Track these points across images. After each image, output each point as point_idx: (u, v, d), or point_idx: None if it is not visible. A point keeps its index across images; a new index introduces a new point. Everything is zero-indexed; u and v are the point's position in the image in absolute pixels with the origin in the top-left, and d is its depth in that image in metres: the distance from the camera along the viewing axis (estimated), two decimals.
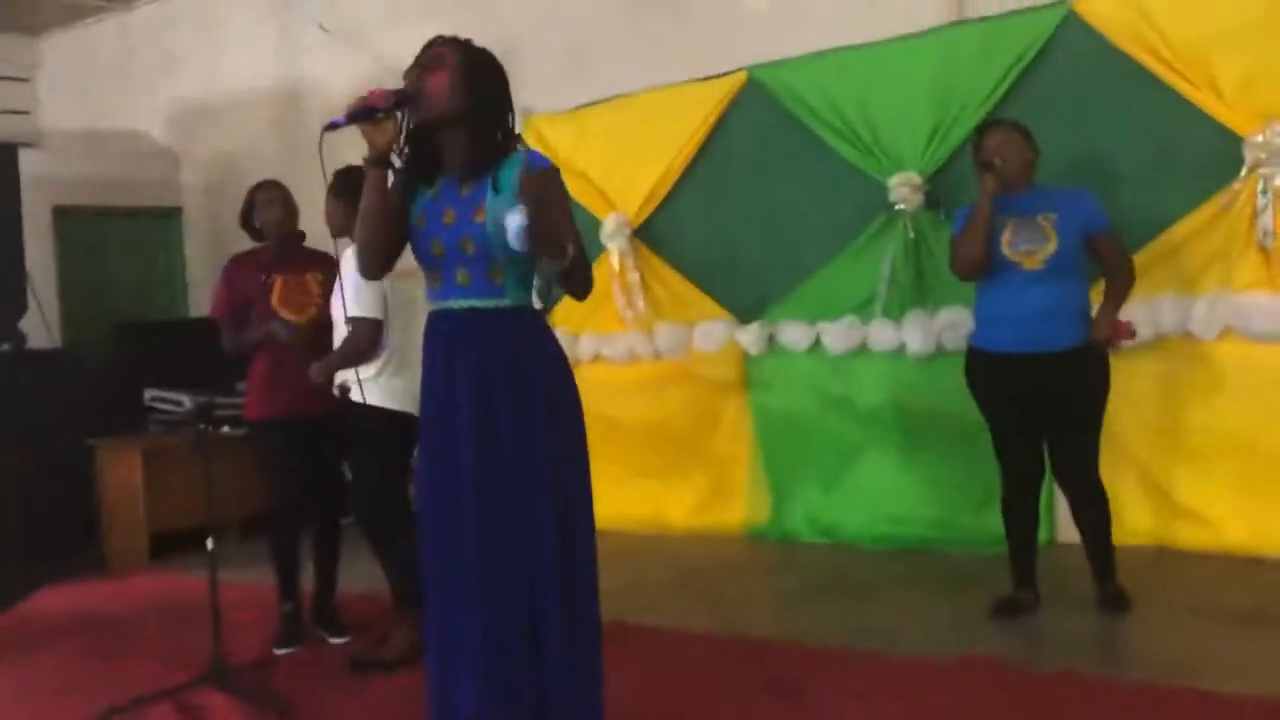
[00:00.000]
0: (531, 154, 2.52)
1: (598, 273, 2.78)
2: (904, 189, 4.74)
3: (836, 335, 4.98)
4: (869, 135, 4.88)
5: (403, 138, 2.47)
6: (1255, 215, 4.05)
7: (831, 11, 5.06)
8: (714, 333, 5.30)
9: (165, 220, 7.73)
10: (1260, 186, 4.02)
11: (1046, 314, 3.59)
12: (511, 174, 2.43)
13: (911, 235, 4.75)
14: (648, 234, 5.53)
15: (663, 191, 5.44)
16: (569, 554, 2.45)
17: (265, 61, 7.25)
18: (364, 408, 3.50)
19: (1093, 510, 3.69)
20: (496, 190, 2.42)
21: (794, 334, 5.10)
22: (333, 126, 2.39)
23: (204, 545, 3.51)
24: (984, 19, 4.65)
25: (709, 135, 5.33)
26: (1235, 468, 4.15)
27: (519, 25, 5.79)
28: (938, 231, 4.71)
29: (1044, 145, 4.21)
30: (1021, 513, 3.77)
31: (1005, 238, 3.65)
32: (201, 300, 6.99)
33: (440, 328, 2.52)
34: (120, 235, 7.54)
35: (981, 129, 3.89)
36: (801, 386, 5.12)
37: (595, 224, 5.46)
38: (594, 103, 5.65)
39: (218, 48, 7.47)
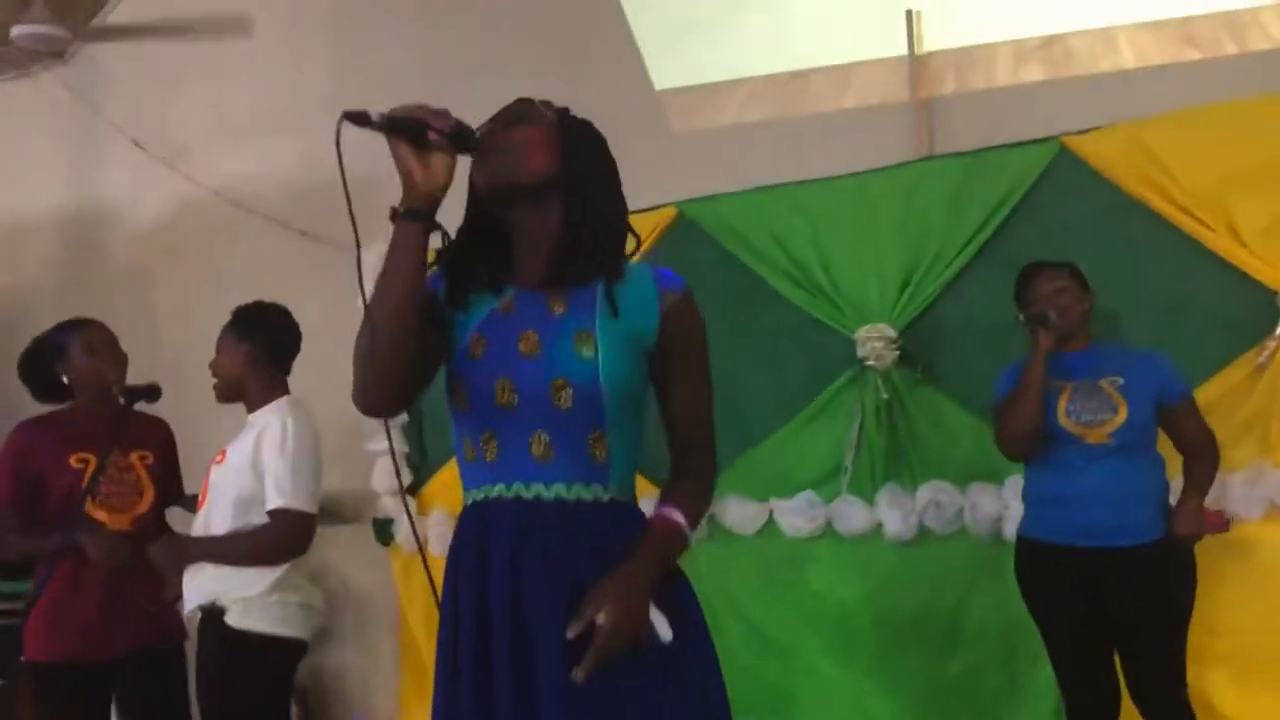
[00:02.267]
0: (660, 270, 1.63)
1: None
2: (876, 343, 4.03)
3: (793, 515, 4.14)
4: (827, 282, 4.19)
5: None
6: None
7: (777, 145, 4.45)
8: None
9: None
10: None
11: (1116, 499, 2.97)
12: (642, 293, 1.56)
13: (885, 396, 4.03)
14: None
15: None
16: None
17: (58, 181, 6.03)
18: (244, 637, 2.60)
19: None
20: (616, 313, 1.52)
21: (741, 513, 4.21)
22: (359, 119, 1.43)
23: None
24: (959, 154, 4.12)
25: None
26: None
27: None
28: (915, 392, 4.03)
29: None
30: None
31: (1061, 405, 3.06)
32: None
33: (495, 530, 1.52)
34: None
35: (1025, 273, 3.29)
36: (751, 578, 4.20)
37: None
38: None
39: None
